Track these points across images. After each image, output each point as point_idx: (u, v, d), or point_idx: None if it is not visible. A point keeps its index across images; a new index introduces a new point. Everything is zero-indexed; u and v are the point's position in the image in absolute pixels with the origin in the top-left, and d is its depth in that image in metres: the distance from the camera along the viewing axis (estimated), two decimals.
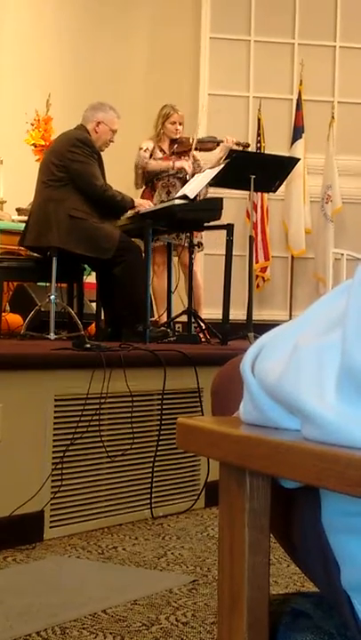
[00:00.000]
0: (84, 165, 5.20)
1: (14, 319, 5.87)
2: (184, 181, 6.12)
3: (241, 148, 6.39)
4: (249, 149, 6.58)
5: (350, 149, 8.97)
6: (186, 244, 6.23)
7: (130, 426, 3.79)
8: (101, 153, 5.42)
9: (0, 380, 3.33)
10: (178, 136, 6.57)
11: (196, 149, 6.45)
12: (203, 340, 5.61)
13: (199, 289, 6.57)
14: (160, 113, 6.65)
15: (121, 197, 5.31)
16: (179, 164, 6.43)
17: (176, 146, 6.55)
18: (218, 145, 6.47)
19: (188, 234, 5.91)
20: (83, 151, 5.22)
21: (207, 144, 6.50)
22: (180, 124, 6.57)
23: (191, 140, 6.46)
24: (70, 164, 5.18)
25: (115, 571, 3.07)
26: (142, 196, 6.33)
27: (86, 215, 5.14)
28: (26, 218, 5.64)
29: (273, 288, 9.01)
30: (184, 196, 5.33)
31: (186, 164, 6.40)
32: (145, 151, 6.51)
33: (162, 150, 6.55)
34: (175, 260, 6.36)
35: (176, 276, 6.21)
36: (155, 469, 3.89)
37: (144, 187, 6.58)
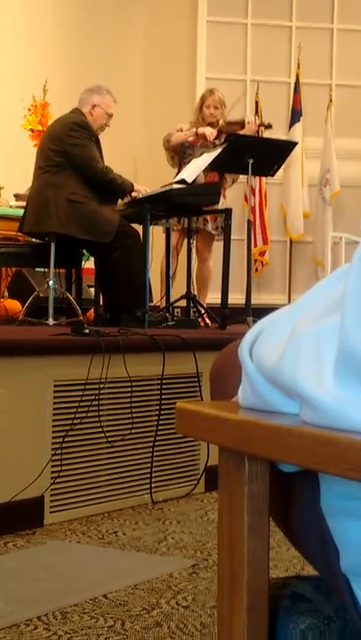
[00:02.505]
0: (83, 149, 5.18)
1: (13, 305, 5.87)
2: None
3: (263, 129, 6.35)
4: (271, 129, 6.49)
5: (348, 132, 8.95)
6: (207, 229, 6.25)
7: (129, 411, 3.80)
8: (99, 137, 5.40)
9: None
10: (214, 120, 6.48)
11: (222, 132, 6.35)
12: (202, 324, 5.61)
13: (209, 275, 6.55)
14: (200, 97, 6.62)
15: (121, 181, 5.29)
16: (201, 129, 6.31)
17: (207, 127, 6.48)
18: (243, 127, 6.37)
19: (201, 218, 5.92)
20: (81, 135, 5.20)
21: (233, 126, 6.38)
22: (215, 107, 6.48)
23: (221, 122, 6.39)
24: (70, 149, 5.16)
25: (115, 555, 3.08)
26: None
27: (85, 199, 5.13)
28: (24, 204, 5.63)
29: (272, 272, 9.00)
30: (182, 181, 5.31)
31: (208, 130, 6.26)
32: (178, 130, 6.45)
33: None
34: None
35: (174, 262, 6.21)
36: (154, 454, 3.89)
37: (177, 165, 6.53)
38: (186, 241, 6.05)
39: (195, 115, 6.61)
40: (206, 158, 5.52)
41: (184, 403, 1.02)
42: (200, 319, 5.71)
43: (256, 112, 8.87)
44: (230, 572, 0.98)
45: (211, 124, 6.44)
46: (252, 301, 5.68)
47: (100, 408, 3.67)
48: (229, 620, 0.98)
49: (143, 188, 5.45)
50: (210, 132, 6.22)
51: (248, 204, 6.22)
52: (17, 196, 6.72)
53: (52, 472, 3.48)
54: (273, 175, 6.07)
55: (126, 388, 3.78)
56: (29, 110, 7.05)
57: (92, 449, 3.67)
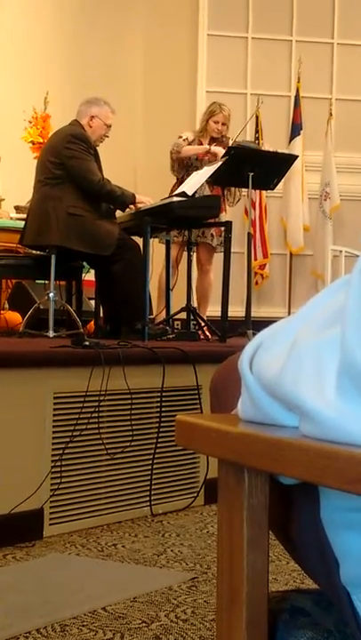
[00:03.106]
0: (80, 161, 5.19)
1: (13, 317, 5.87)
2: None
3: None
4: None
5: (348, 146, 8.98)
6: (211, 242, 6.26)
7: (129, 423, 3.79)
8: (97, 149, 5.40)
9: None
10: (219, 136, 6.51)
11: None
12: (202, 337, 5.61)
13: (209, 287, 6.56)
14: (207, 109, 6.64)
15: (121, 192, 5.29)
16: (215, 149, 6.34)
17: (215, 144, 6.49)
18: None
19: (207, 231, 5.90)
20: (78, 147, 5.21)
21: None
22: (222, 123, 6.50)
23: (231, 142, 6.40)
24: (67, 161, 5.17)
25: (114, 568, 3.07)
26: (174, 187, 6.30)
27: (85, 212, 5.14)
28: (24, 216, 5.64)
29: (272, 285, 9.01)
30: (183, 193, 5.32)
31: (221, 150, 6.29)
32: (184, 140, 6.47)
33: (201, 145, 6.50)
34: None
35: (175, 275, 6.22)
36: (154, 467, 3.89)
37: (179, 176, 6.53)
38: (186, 253, 6.06)
39: (200, 126, 6.63)
40: (207, 171, 5.53)
41: (184, 415, 1.02)
42: (200, 332, 5.71)
43: (256, 126, 8.90)
44: (230, 586, 0.98)
45: (214, 139, 6.46)
46: (252, 314, 5.68)
47: (100, 420, 3.67)
48: (228, 634, 0.98)
49: (147, 199, 5.45)
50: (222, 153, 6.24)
51: (248, 218, 6.23)
52: (17, 208, 6.74)
53: (52, 484, 3.48)
54: (273, 188, 6.08)
55: (126, 401, 3.78)
56: (30, 122, 7.07)
57: (92, 461, 3.66)
